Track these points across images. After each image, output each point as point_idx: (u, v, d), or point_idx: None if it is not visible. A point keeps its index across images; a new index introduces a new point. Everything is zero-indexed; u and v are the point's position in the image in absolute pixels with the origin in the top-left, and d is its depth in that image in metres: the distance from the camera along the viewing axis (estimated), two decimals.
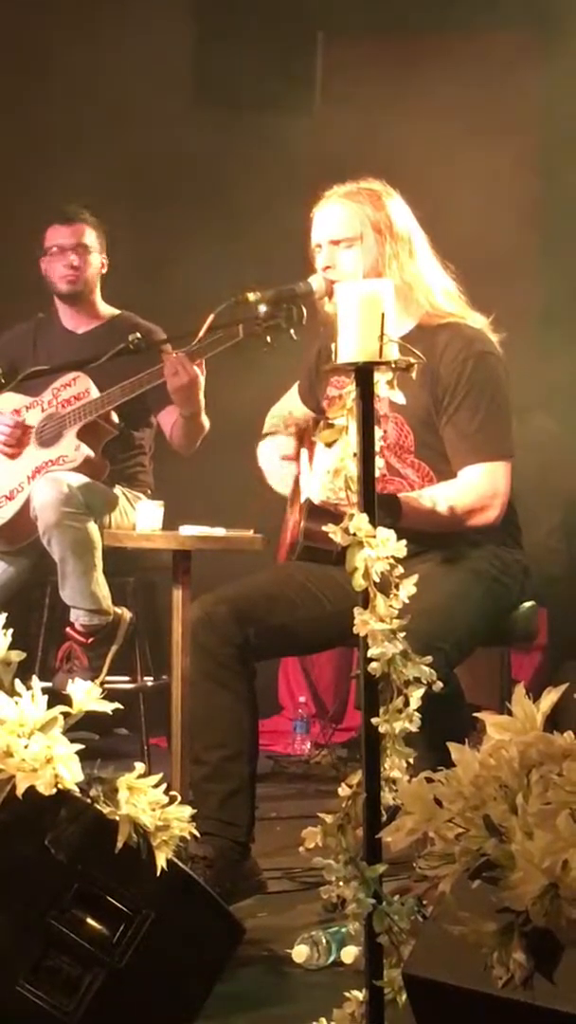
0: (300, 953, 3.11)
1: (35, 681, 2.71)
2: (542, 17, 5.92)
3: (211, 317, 3.69)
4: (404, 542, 2.47)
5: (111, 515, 4.72)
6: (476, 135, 5.98)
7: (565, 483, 5.93)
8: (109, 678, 4.56)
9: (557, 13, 5.88)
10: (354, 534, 2.45)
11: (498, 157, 6.03)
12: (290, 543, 3.63)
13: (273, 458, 3.78)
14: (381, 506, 3.23)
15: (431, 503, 3.46)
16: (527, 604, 3.74)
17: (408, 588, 2.47)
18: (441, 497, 3.47)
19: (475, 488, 3.49)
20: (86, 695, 2.73)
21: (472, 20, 6.09)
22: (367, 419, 2.48)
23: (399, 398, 2.53)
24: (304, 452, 3.72)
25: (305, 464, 3.69)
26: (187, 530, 3.93)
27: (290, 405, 3.94)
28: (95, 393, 4.68)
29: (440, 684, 2.50)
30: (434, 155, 5.88)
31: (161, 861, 2.66)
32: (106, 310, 5.07)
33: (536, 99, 6.22)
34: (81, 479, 4.59)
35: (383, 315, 2.45)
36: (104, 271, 5.06)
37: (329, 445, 2.57)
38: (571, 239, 5.88)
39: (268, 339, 3.68)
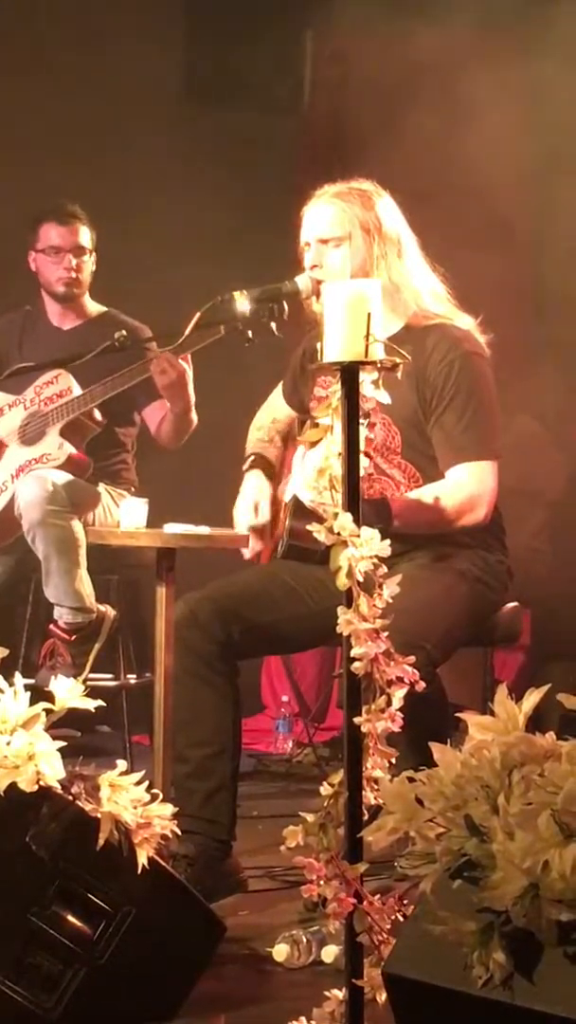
0: (281, 952, 3.10)
1: (18, 677, 2.71)
2: (534, 15, 5.92)
3: (197, 315, 3.68)
4: (388, 542, 2.47)
5: (95, 513, 4.72)
6: (467, 135, 5.98)
7: (549, 484, 5.94)
8: (92, 675, 4.56)
9: (550, 13, 5.89)
10: (338, 533, 2.45)
11: (491, 155, 6.02)
12: (275, 541, 3.63)
13: (245, 521, 3.77)
14: (373, 511, 3.24)
15: (421, 505, 3.46)
16: (510, 605, 3.75)
17: (391, 588, 2.48)
18: (430, 498, 3.47)
19: (464, 488, 3.49)
20: (69, 692, 2.74)
21: (463, 18, 6.09)
22: (352, 419, 2.48)
23: (385, 398, 2.53)
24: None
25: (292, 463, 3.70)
26: (171, 528, 3.92)
27: (273, 410, 3.94)
28: (77, 391, 4.68)
29: (423, 684, 2.50)
30: (425, 154, 5.88)
31: (142, 859, 2.67)
32: (93, 307, 5.07)
33: (530, 95, 6.22)
34: (65, 477, 4.59)
35: (369, 315, 2.45)
36: (94, 269, 5.06)
37: (313, 445, 2.57)
38: (563, 245, 5.89)
39: (249, 334, 3.68)
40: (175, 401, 4.59)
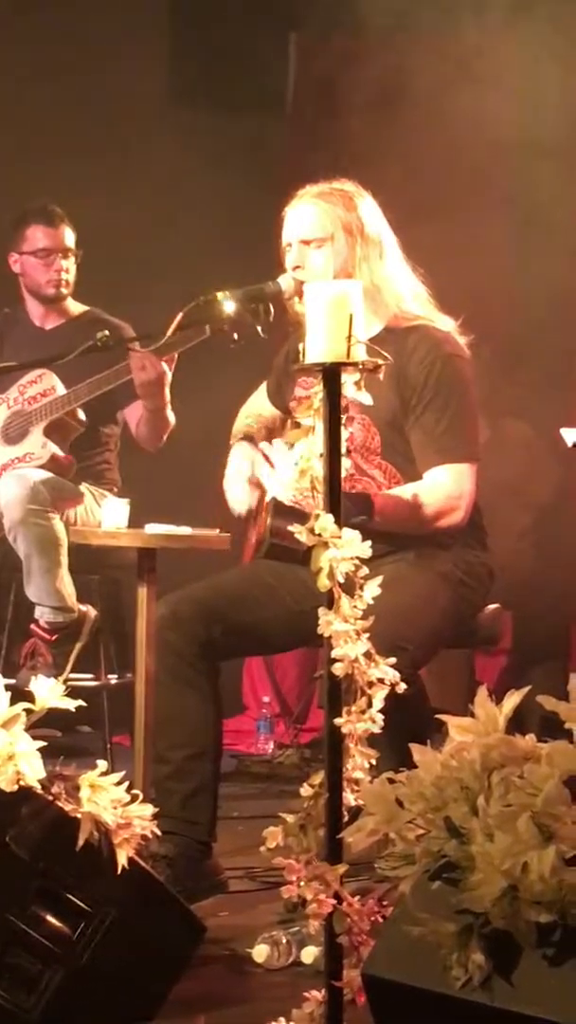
0: (260, 953, 3.10)
1: None
2: (527, 12, 5.94)
3: (180, 316, 3.68)
4: (369, 543, 2.47)
5: (77, 512, 4.72)
6: (453, 136, 5.98)
7: (536, 487, 5.94)
8: (73, 675, 4.56)
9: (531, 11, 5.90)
10: (319, 534, 2.45)
11: (478, 156, 6.03)
12: (256, 541, 3.63)
13: (237, 479, 3.74)
14: (354, 503, 3.23)
15: (402, 503, 3.45)
16: (491, 607, 3.75)
17: (372, 589, 2.48)
18: (411, 497, 3.46)
19: (441, 489, 3.49)
20: (49, 692, 2.73)
21: (450, 19, 6.10)
22: (333, 420, 2.48)
23: (366, 399, 2.53)
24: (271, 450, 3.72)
25: (272, 463, 3.69)
26: (153, 528, 3.93)
27: (260, 404, 3.94)
28: (61, 390, 4.68)
29: (404, 685, 2.50)
30: (411, 156, 5.89)
31: (122, 859, 2.66)
32: (74, 307, 5.07)
33: (516, 90, 6.23)
34: (47, 476, 4.59)
35: (351, 316, 2.45)
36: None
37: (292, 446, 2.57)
38: (548, 245, 5.89)
39: (235, 336, 3.68)
40: (149, 399, 4.60)
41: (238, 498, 3.68)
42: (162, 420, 4.72)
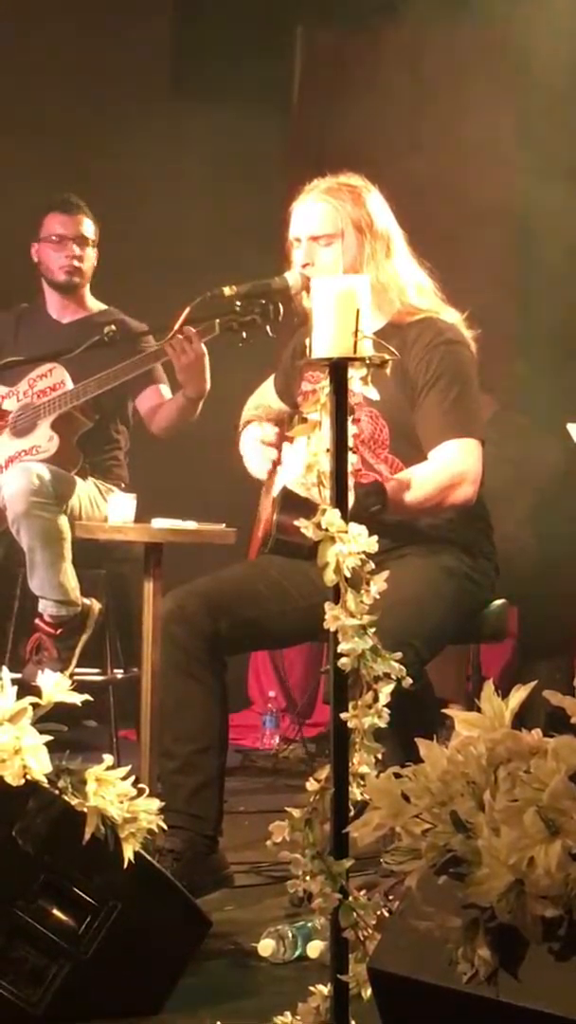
0: (266, 947, 3.11)
1: (4, 672, 2.71)
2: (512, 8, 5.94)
3: (186, 311, 3.69)
4: (376, 538, 2.47)
5: (83, 507, 4.71)
6: (451, 126, 5.99)
7: (537, 480, 5.94)
8: (79, 670, 4.56)
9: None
10: (326, 529, 2.45)
11: (474, 146, 6.04)
12: (263, 536, 3.63)
13: (253, 443, 3.77)
14: (370, 493, 3.23)
15: (412, 484, 3.43)
16: (497, 602, 3.74)
17: (379, 584, 2.48)
18: (419, 477, 3.44)
19: (449, 465, 3.46)
20: (55, 686, 2.74)
21: (445, 14, 6.11)
22: (340, 415, 2.48)
23: (373, 394, 2.53)
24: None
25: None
26: (159, 523, 3.93)
27: (267, 397, 3.94)
28: (70, 384, 4.68)
29: (409, 680, 2.50)
30: (414, 149, 5.89)
31: (128, 853, 2.67)
32: (94, 304, 5.08)
33: (510, 86, 6.23)
34: (51, 469, 4.59)
35: (358, 311, 2.45)
36: (95, 264, 5.08)
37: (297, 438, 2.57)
38: (549, 236, 5.90)
39: (244, 335, 3.68)
40: (190, 384, 4.57)
41: (257, 463, 3.71)
42: (193, 411, 4.71)
